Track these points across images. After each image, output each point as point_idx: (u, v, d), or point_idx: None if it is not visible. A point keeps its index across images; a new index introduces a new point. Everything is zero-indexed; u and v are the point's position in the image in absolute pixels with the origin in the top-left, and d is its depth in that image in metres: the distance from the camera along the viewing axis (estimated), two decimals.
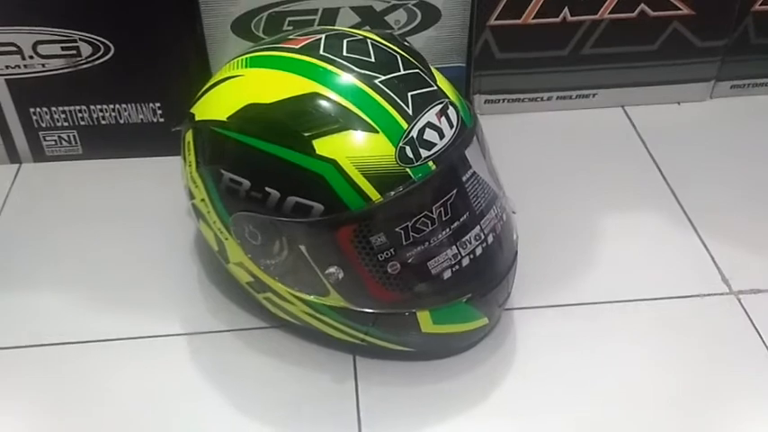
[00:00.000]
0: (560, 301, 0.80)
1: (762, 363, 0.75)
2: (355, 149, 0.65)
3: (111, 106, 0.96)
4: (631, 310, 0.80)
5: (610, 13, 0.99)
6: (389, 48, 0.71)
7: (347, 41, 0.70)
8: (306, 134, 0.64)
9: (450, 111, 0.68)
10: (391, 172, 0.65)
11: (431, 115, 0.67)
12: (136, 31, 0.91)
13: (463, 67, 1.01)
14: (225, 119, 0.68)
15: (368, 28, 0.74)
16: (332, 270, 0.67)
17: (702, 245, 0.87)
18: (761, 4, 1.01)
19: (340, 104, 0.65)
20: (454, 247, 0.68)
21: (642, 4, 0.99)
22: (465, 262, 0.69)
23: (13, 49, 0.91)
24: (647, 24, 1.00)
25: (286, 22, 0.94)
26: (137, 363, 0.75)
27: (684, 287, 0.82)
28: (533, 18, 0.99)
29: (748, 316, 0.79)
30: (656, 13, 1.00)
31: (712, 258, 0.85)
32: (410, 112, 0.66)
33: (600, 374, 0.74)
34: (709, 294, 0.81)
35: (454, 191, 0.67)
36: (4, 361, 0.76)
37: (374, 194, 0.65)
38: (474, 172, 0.69)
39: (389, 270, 0.67)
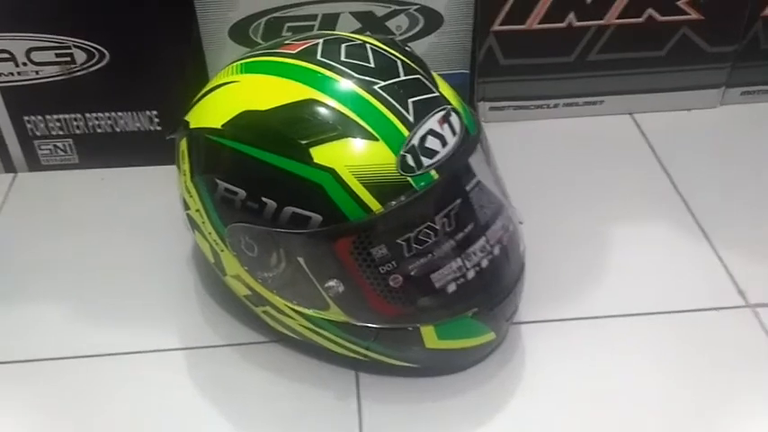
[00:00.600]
0: (570, 315, 0.79)
1: None
2: (354, 158, 0.63)
3: (107, 114, 0.96)
4: (644, 324, 0.78)
5: (617, 18, 0.98)
6: (389, 53, 0.70)
7: (345, 46, 0.69)
8: (303, 142, 0.63)
9: (453, 117, 0.67)
10: (392, 181, 0.63)
11: (433, 122, 0.65)
12: (131, 38, 0.90)
13: (467, 73, 1.00)
14: (219, 126, 0.67)
15: (369, 33, 0.73)
16: (331, 283, 0.66)
17: (716, 255, 0.85)
18: None
19: (338, 111, 0.64)
20: (459, 259, 0.67)
21: (650, 9, 0.98)
22: (470, 275, 0.68)
23: (6, 56, 0.90)
24: (656, 30, 1.00)
25: (285, 28, 0.93)
26: (132, 379, 0.75)
27: (697, 300, 0.80)
28: (538, 23, 0.98)
29: (765, 330, 0.77)
30: (664, 18, 0.99)
31: (726, 269, 0.83)
32: (411, 118, 0.65)
33: (613, 392, 0.72)
34: (723, 307, 0.79)
35: (458, 201, 0.66)
36: None
37: (374, 204, 0.63)
38: (478, 181, 0.68)
39: (391, 283, 0.66)
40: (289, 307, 0.70)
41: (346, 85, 0.66)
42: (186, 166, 0.71)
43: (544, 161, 0.99)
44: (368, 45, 0.70)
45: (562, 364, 0.74)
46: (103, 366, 0.75)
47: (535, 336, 0.77)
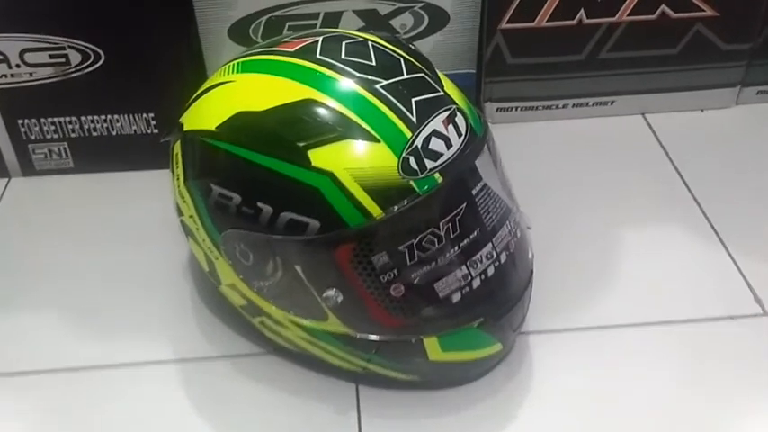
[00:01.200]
0: (580, 324, 0.78)
1: None
2: (354, 161, 0.62)
3: (103, 117, 0.95)
4: (657, 333, 0.77)
5: (629, 14, 0.98)
6: (392, 50, 0.68)
7: (346, 44, 0.68)
8: (300, 144, 0.62)
9: (459, 118, 0.66)
10: (394, 185, 0.62)
11: (437, 123, 0.64)
12: (127, 38, 0.89)
13: (473, 73, 1.00)
14: (214, 128, 0.65)
15: (372, 31, 0.73)
16: (330, 293, 0.65)
17: (732, 261, 0.84)
18: None
19: (337, 112, 0.63)
20: (464, 266, 0.65)
21: (663, 6, 0.98)
22: (476, 283, 0.66)
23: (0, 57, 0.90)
24: (669, 27, 0.99)
25: (286, 27, 0.93)
26: (125, 392, 0.74)
27: (713, 308, 0.79)
28: (547, 21, 0.98)
29: None
30: (677, 15, 0.99)
31: (743, 276, 0.82)
32: (414, 119, 0.63)
33: (624, 403, 0.71)
34: (740, 316, 0.78)
35: (463, 205, 0.65)
36: None
37: (375, 210, 0.62)
38: (485, 184, 0.66)
39: (393, 293, 0.64)
40: (286, 317, 0.69)
41: (346, 84, 0.64)
42: (180, 170, 0.70)
43: (553, 164, 0.98)
44: (370, 42, 0.68)
45: (572, 377, 0.73)
46: (94, 379, 0.74)
47: (544, 346, 0.76)
